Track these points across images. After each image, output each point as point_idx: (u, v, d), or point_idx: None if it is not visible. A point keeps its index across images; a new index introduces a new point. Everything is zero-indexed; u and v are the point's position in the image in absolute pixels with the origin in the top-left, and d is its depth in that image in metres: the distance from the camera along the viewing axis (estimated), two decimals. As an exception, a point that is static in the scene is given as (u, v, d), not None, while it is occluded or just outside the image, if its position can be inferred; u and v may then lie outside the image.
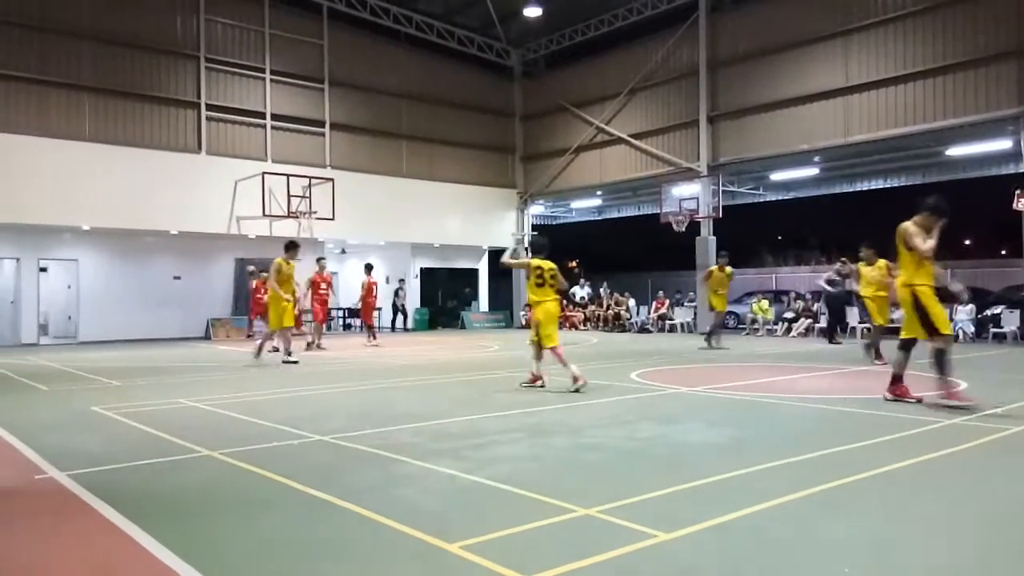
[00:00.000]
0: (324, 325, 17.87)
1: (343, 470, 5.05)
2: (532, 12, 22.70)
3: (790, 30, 20.10)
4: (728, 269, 15.58)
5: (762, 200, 26.79)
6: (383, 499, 4.25)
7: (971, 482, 4.66)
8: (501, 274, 28.48)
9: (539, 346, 9.11)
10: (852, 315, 18.57)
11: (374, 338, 17.62)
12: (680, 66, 22.82)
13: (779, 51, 20.38)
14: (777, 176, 23.71)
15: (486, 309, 28.32)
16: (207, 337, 21.20)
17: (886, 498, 4.26)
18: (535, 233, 14.01)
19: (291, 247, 12.88)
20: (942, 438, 5.86)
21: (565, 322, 25.86)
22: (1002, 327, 17.28)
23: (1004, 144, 18.16)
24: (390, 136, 24.79)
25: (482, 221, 26.91)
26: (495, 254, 28.77)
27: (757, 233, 44.13)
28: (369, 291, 17.81)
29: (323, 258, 17.59)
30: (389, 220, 24.08)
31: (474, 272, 28.35)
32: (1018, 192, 16.14)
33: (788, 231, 50.03)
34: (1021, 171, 17.43)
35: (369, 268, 18.62)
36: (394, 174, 24.59)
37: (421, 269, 26.90)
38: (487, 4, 23.47)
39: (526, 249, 9.22)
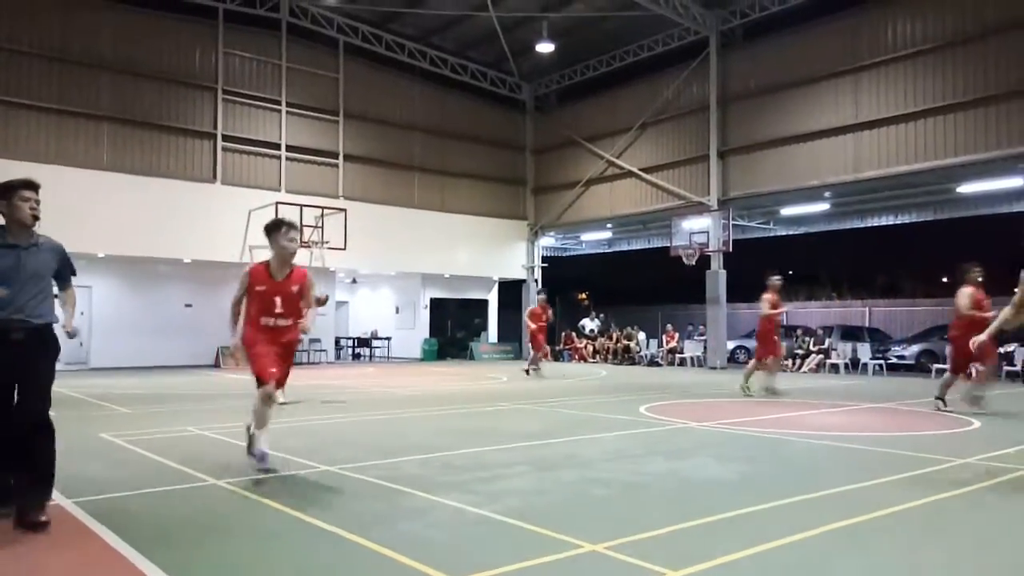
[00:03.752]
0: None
1: (350, 501, 5.03)
2: (545, 48, 23.01)
3: (800, 67, 20.24)
4: None
5: (772, 235, 26.78)
6: (390, 532, 4.22)
7: (987, 523, 4.58)
8: (510, 305, 28.52)
9: None
10: None
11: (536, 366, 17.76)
12: (691, 101, 23.01)
13: (789, 87, 20.52)
14: (787, 211, 23.72)
15: (495, 340, 28.27)
16: (216, 365, 21.23)
17: (900, 538, 4.20)
18: None
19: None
20: (955, 477, 5.77)
21: (574, 354, 25.82)
22: (1015, 365, 17.10)
23: (1015, 182, 18.14)
24: (403, 168, 25.03)
25: (492, 252, 27.01)
26: (504, 285, 28.86)
27: (767, 268, 43.88)
28: (538, 317, 17.85)
29: (542, 292, 19.85)
30: (400, 250, 24.21)
31: (484, 303, 28.39)
32: None
33: (798, 266, 49.84)
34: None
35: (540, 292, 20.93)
36: (406, 205, 24.78)
37: (431, 299, 26.98)
38: (500, 39, 23.81)
39: None
